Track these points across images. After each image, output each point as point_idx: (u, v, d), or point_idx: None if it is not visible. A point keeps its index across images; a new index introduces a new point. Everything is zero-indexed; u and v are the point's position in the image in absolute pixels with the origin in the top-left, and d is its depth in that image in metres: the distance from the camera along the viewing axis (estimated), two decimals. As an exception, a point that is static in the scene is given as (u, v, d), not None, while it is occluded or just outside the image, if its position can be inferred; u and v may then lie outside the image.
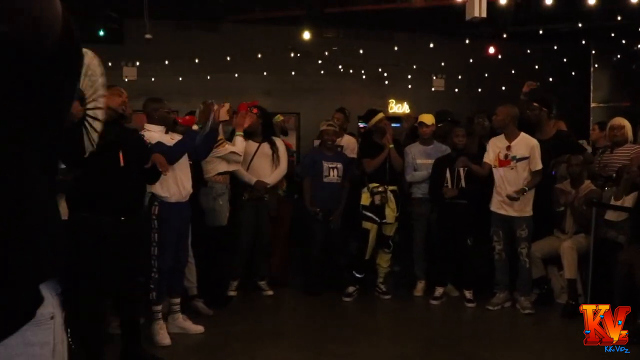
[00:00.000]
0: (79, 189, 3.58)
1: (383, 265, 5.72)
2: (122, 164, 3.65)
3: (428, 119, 5.80)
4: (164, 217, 4.24)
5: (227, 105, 4.57)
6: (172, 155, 4.13)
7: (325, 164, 5.66)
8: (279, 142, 5.74)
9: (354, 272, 5.67)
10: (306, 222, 5.80)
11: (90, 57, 3.16)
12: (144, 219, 4.36)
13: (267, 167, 5.58)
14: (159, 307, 4.34)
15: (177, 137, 4.39)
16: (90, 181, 3.55)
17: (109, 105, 3.53)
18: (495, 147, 5.28)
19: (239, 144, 5.16)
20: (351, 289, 5.64)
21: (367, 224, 5.57)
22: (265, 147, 5.60)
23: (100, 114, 3.28)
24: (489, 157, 5.31)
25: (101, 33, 9.37)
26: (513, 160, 5.17)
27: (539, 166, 5.18)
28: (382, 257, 5.71)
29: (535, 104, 5.77)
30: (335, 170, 5.67)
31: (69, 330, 4.09)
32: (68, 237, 1.19)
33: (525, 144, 5.22)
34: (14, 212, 1.03)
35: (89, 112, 3.33)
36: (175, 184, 4.27)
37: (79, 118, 3.36)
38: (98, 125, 3.28)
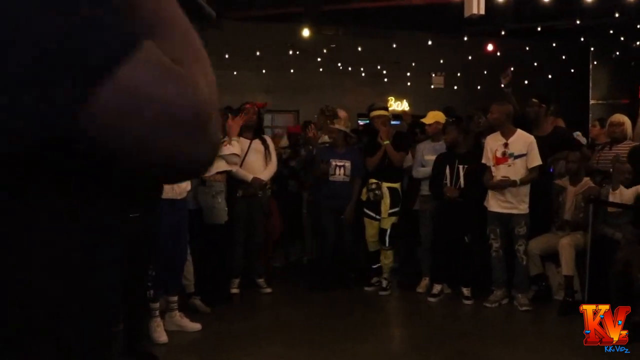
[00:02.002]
0: None
1: (384, 261, 5.75)
2: None
3: (429, 118, 5.79)
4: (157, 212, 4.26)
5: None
6: None
7: (333, 163, 5.68)
8: (267, 138, 5.81)
9: (370, 265, 5.82)
10: (318, 219, 5.83)
11: None
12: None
13: (260, 163, 5.60)
14: (156, 305, 4.33)
15: None
16: None
17: None
18: (492, 145, 5.26)
19: (236, 145, 5.20)
20: (375, 279, 5.79)
21: (365, 220, 5.67)
22: (257, 143, 5.62)
23: None
24: (487, 158, 5.30)
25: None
26: (511, 157, 5.15)
27: (537, 162, 5.16)
28: (383, 253, 5.74)
29: (534, 99, 5.76)
30: (342, 169, 5.67)
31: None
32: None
33: (523, 140, 5.20)
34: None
35: None
36: None
37: None
38: None
